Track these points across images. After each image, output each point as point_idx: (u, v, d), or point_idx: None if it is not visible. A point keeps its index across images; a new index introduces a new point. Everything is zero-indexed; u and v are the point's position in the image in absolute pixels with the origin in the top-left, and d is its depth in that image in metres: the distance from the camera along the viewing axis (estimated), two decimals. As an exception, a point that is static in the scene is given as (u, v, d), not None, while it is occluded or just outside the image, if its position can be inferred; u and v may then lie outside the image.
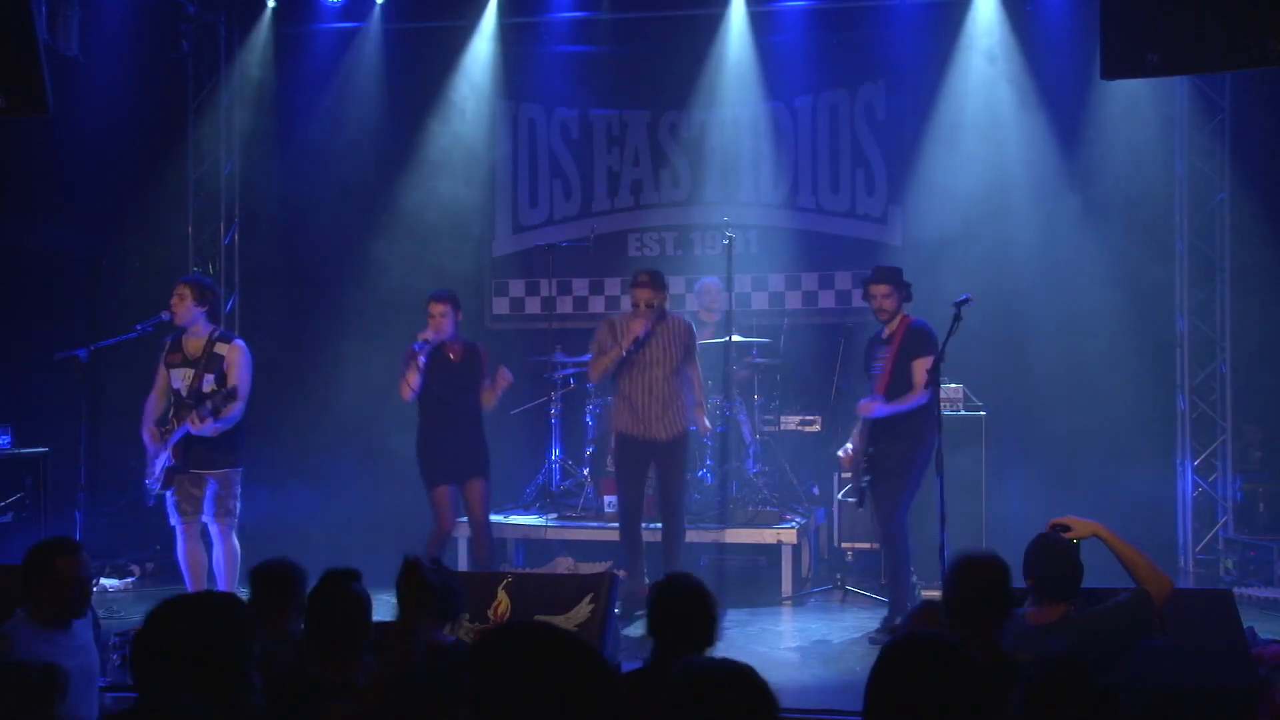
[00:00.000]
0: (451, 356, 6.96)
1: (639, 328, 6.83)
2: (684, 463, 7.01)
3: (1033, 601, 3.83)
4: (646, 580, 7.10)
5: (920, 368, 6.37)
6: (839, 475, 8.14)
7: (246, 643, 2.73)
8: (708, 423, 7.37)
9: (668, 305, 7.07)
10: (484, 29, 9.34)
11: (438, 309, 6.88)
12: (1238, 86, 8.14)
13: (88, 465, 6.56)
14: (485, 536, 7.01)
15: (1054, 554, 3.90)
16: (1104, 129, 8.46)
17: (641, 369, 6.88)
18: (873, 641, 6.25)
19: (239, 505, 6.71)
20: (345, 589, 3.42)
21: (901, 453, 6.43)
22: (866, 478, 6.52)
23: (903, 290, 6.69)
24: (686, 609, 3.42)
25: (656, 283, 6.91)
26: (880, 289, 6.65)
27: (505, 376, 6.92)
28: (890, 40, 8.82)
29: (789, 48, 9.05)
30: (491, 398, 6.95)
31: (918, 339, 6.53)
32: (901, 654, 2.40)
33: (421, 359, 6.81)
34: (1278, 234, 8.28)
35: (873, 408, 6.46)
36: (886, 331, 6.68)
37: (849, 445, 6.90)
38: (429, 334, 6.83)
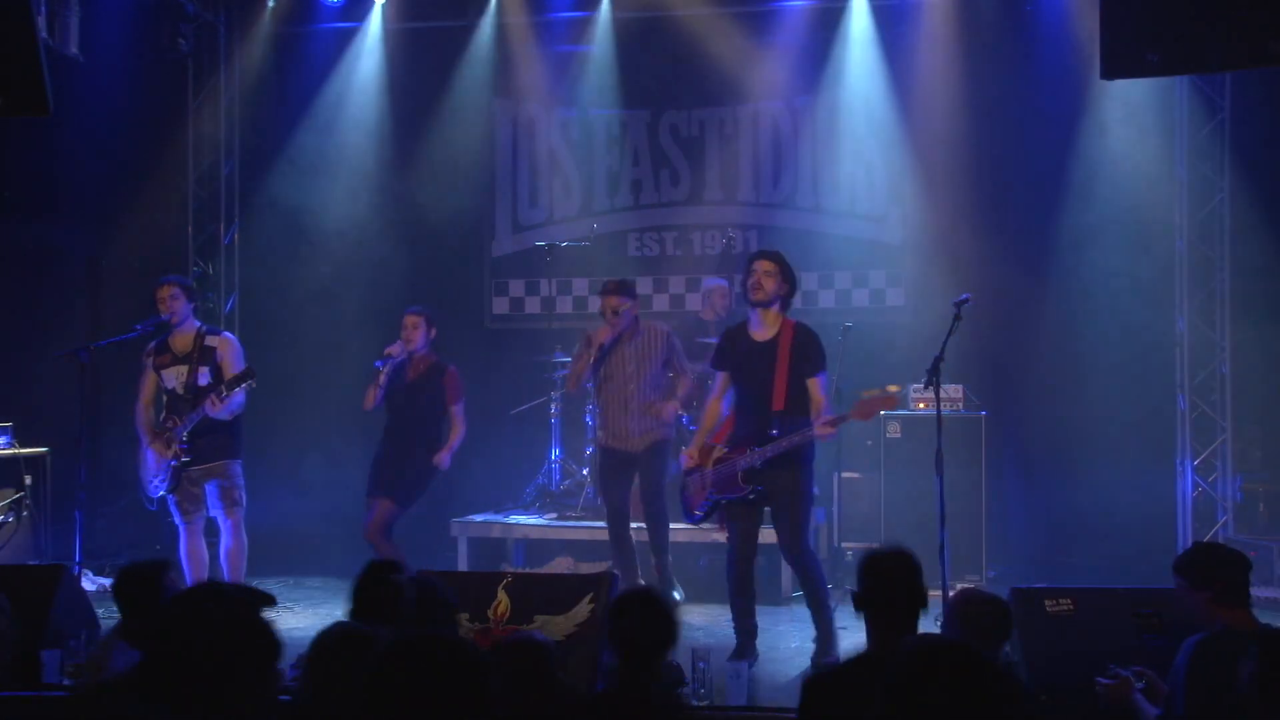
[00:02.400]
0: (409, 374, 6.99)
1: (604, 336, 6.86)
2: (664, 463, 7.00)
3: (1223, 604, 3.75)
4: (641, 580, 7.12)
5: (818, 388, 5.85)
6: (839, 475, 8.14)
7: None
8: (670, 413, 6.95)
9: (637, 313, 6.99)
10: (484, 29, 9.34)
11: (410, 321, 6.96)
12: (1238, 86, 8.14)
13: (88, 465, 6.57)
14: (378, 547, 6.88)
15: (1232, 557, 3.86)
16: (1104, 129, 8.45)
17: (616, 382, 6.91)
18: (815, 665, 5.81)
19: (245, 496, 6.73)
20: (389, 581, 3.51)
21: (793, 478, 5.83)
22: (754, 495, 5.87)
23: (788, 282, 6.03)
24: (646, 623, 3.38)
25: (623, 290, 6.88)
26: (766, 264, 5.94)
27: (455, 430, 6.98)
28: (890, 40, 8.81)
29: (789, 48, 9.04)
30: (456, 430, 7.00)
31: (813, 351, 5.92)
32: (925, 658, 2.37)
33: (384, 375, 6.89)
34: (1278, 234, 8.27)
35: (828, 428, 5.75)
36: (762, 334, 5.98)
37: (694, 449, 6.15)
38: (395, 349, 6.90)
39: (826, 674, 3.31)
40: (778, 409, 5.81)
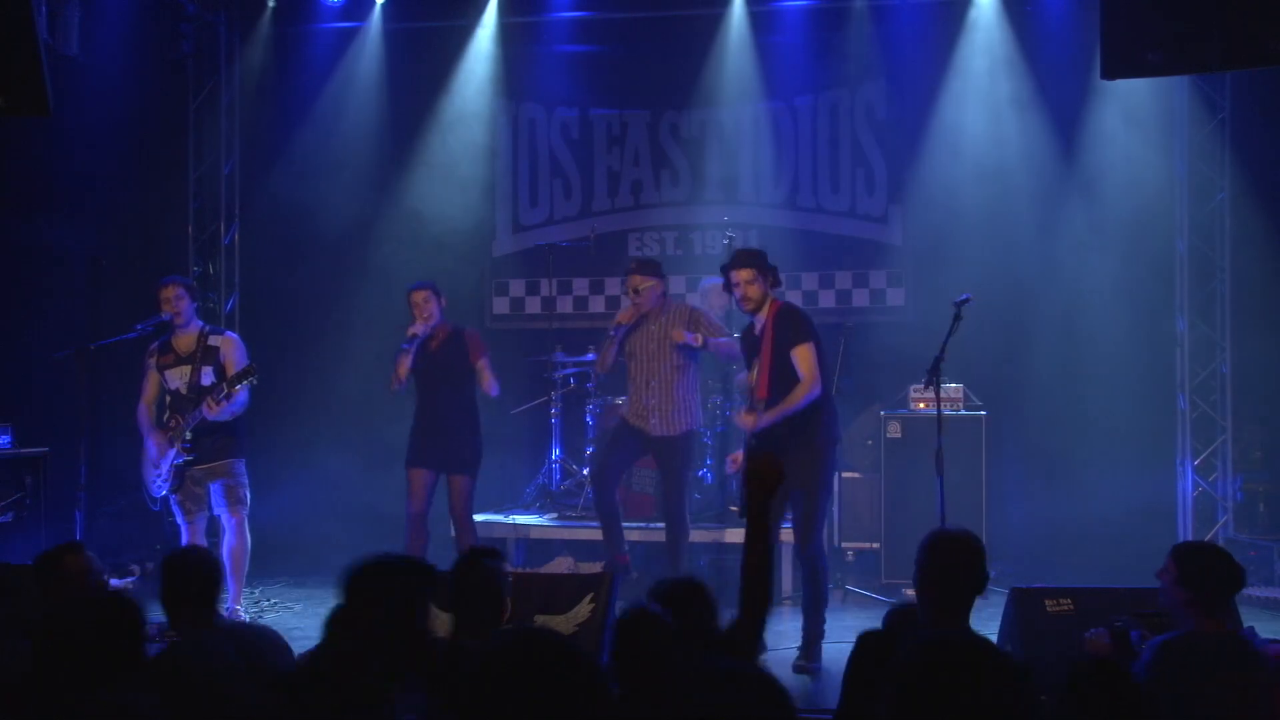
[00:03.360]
0: (432, 345, 6.99)
1: (627, 316, 6.90)
2: (684, 463, 6.94)
3: (1198, 612, 3.70)
4: (626, 548, 7.11)
5: (804, 356, 5.75)
6: (839, 475, 8.14)
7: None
8: (687, 337, 6.85)
9: (665, 291, 7.04)
10: (484, 29, 9.34)
11: (419, 296, 6.96)
12: (1238, 86, 8.14)
13: (88, 465, 6.57)
14: (468, 535, 7.00)
15: (1233, 571, 3.80)
16: (1104, 129, 8.46)
17: (639, 360, 6.92)
18: (798, 670, 5.83)
19: (249, 495, 6.74)
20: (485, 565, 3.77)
21: (808, 462, 5.75)
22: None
23: (769, 274, 5.95)
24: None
25: (645, 269, 6.94)
26: (743, 274, 5.87)
27: (486, 381, 6.97)
28: (890, 40, 8.81)
29: (789, 48, 9.05)
30: (487, 382, 6.97)
31: (790, 324, 5.83)
32: (934, 653, 2.36)
33: (410, 358, 6.88)
34: (1278, 234, 8.28)
35: (754, 421, 5.74)
36: (759, 325, 5.98)
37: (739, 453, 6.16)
38: (418, 328, 6.88)
39: (880, 631, 3.32)
40: (762, 397, 5.83)
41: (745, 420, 5.80)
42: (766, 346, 5.83)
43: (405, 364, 6.89)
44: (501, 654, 2.25)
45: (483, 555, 3.84)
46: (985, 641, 2.42)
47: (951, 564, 3.44)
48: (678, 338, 6.81)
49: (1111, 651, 3.99)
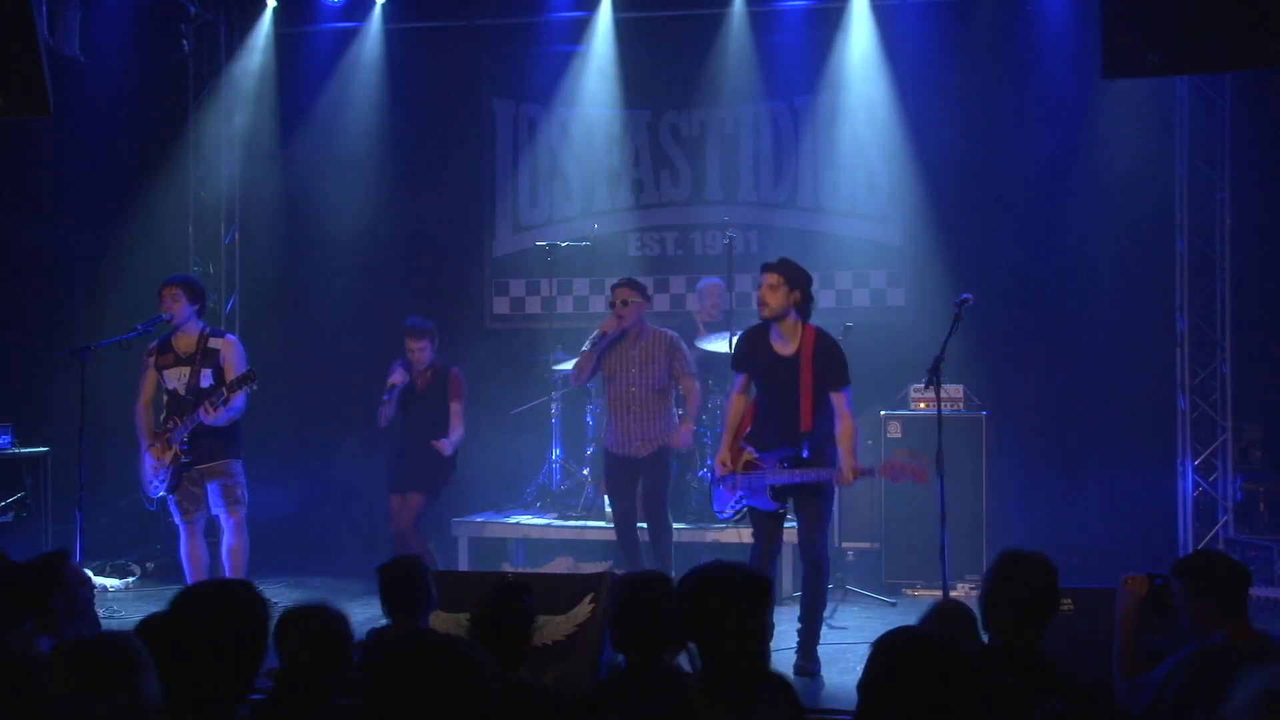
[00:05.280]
0: (419, 384, 7.36)
1: (610, 326, 6.93)
2: (666, 472, 7.07)
3: (1226, 619, 3.62)
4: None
5: (843, 404, 5.79)
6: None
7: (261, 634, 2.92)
8: (688, 438, 7.15)
9: (644, 313, 7.07)
10: (484, 28, 9.33)
11: (416, 344, 7.32)
12: (1238, 86, 8.13)
13: (88, 465, 6.57)
14: (408, 548, 6.98)
15: (1237, 569, 3.74)
16: (1104, 129, 8.46)
17: (618, 384, 6.99)
18: (799, 673, 5.83)
19: (247, 494, 6.75)
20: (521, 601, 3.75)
21: (817, 486, 5.86)
22: (779, 498, 5.89)
23: (798, 285, 5.81)
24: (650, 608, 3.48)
25: (633, 284, 7.04)
26: (771, 278, 5.78)
27: (443, 447, 7.25)
28: (890, 40, 8.81)
29: (789, 48, 9.04)
30: (452, 425, 7.34)
31: (838, 364, 5.84)
32: (897, 649, 2.40)
33: (392, 407, 7.24)
34: (1278, 234, 8.28)
35: (851, 477, 5.71)
36: (784, 347, 5.86)
37: (725, 454, 6.06)
38: (397, 377, 7.24)
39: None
40: (805, 429, 5.79)
41: (849, 477, 5.71)
42: (807, 377, 5.76)
43: (387, 413, 7.25)
44: (389, 658, 2.32)
45: (521, 591, 3.82)
46: (948, 641, 2.45)
47: (1026, 588, 3.49)
48: (680, 443, 7.08)
49: (1147, 593, 3.96)
